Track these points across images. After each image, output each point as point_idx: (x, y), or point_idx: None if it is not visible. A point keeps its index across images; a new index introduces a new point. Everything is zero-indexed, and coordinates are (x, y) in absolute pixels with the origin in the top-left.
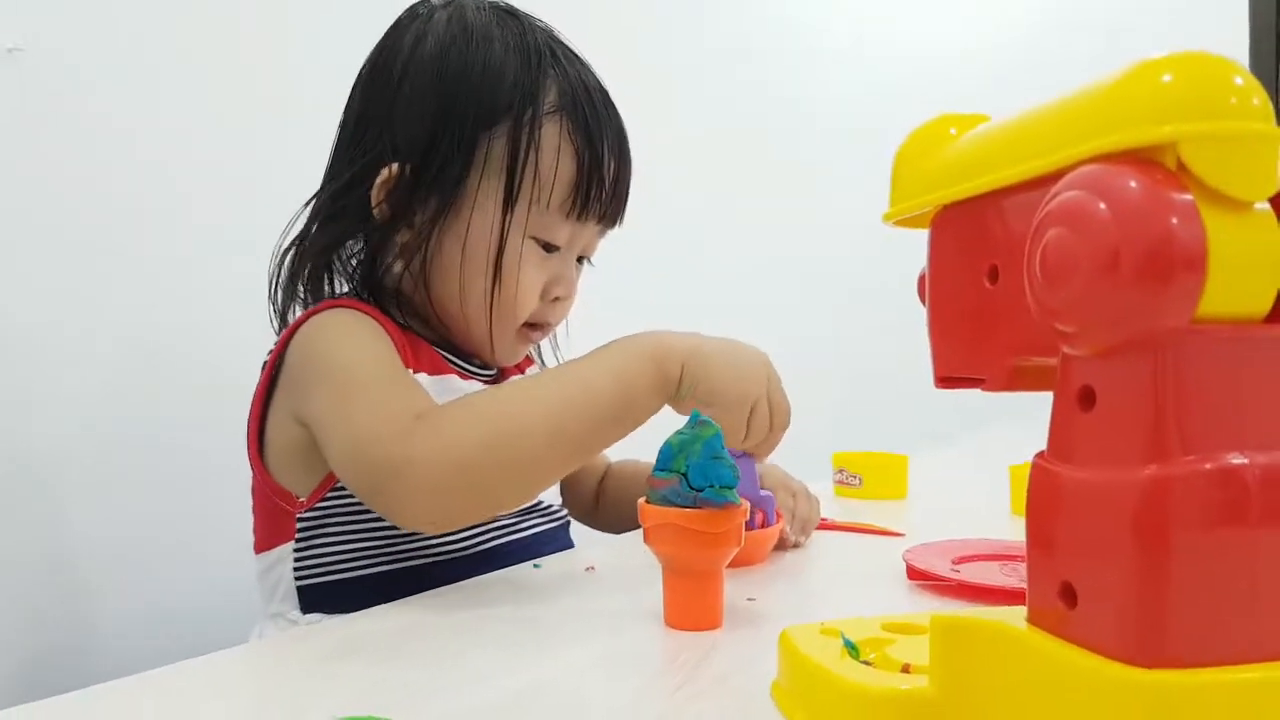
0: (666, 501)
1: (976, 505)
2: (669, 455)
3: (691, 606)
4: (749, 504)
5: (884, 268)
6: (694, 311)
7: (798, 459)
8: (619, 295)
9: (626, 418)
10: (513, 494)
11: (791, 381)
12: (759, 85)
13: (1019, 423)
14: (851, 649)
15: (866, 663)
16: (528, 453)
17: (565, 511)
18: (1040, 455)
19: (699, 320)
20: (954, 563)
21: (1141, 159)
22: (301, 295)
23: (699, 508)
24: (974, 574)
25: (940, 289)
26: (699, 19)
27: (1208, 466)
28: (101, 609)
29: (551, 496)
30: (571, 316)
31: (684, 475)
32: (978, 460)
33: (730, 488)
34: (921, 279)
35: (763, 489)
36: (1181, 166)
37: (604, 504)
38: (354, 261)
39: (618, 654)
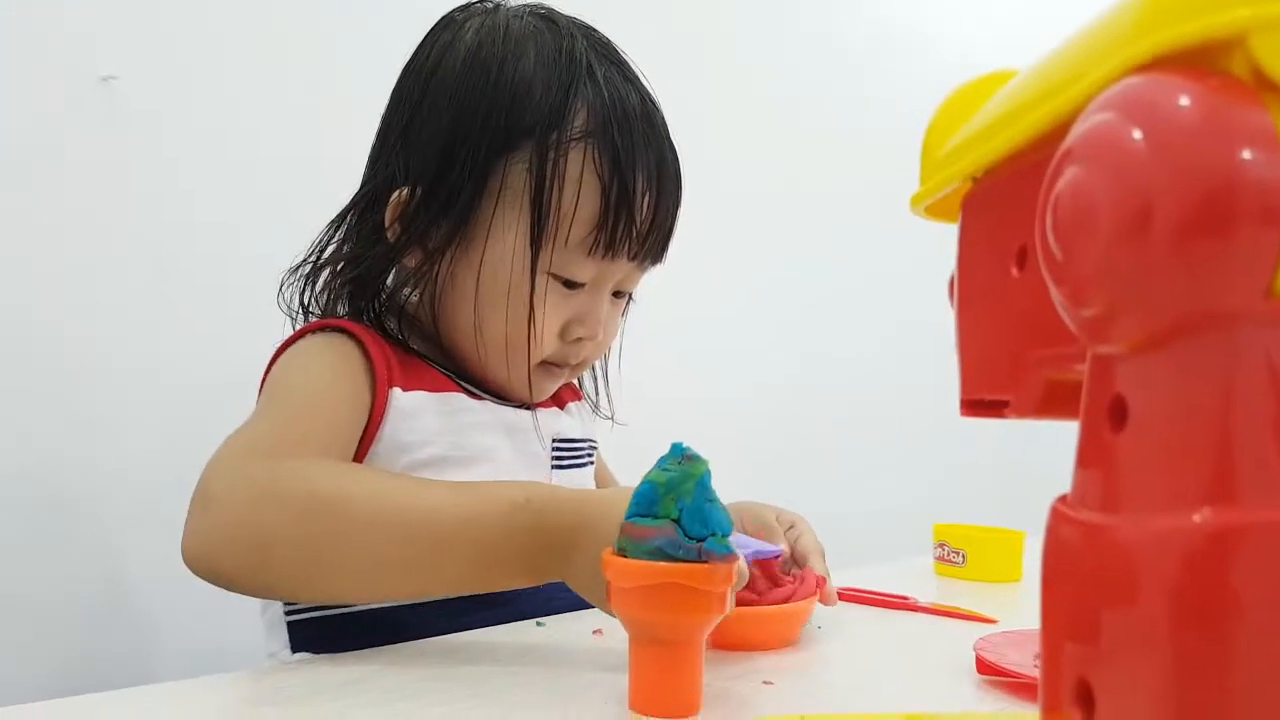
0: (661, 554)
1: None
2: (654, 497)
3: (669, 685)
4: (781, 560)
5: None
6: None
7: (890, 530)
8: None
9: (465, 582)
10: (298, 588)
11: (886, 439)
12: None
13: None
14: None
15: None
16: (336, 557)
17: None
18: (1061, 500)
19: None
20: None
21: (1197, 64)
22: (308, 315)
23: (702, 561)
24: None
25: (967, 287)
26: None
27: None
28: (157, 632)
29: None
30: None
31: (677, 521)
32: None
33: (728, 535)
34: (952, 280)
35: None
36: (1257, 73)
37: None
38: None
39: None
